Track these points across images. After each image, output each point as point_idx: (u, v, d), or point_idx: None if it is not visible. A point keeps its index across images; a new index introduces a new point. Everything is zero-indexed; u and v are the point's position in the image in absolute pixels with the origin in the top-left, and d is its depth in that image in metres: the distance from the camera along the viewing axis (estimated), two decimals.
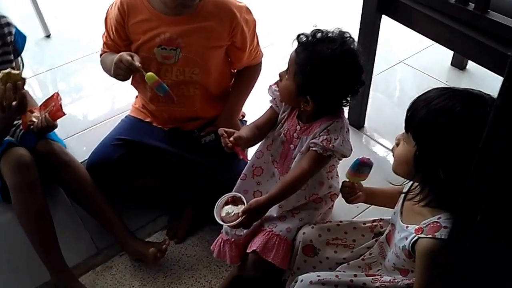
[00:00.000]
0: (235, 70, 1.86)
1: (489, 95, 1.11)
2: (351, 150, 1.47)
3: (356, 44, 1.40)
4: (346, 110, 1.75)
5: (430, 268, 1.15)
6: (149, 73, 1.57)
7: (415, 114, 1.14)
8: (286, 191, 1.42)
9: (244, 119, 1.96)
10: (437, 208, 1.18)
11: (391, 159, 1.28)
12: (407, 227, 1.23)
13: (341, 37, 1.38)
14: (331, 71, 1.35)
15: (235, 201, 1.45)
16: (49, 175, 1.74)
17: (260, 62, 1.86)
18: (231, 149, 1.46)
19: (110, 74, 1.66)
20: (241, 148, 1.53)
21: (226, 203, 1.44)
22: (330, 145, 1.41)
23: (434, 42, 1.78)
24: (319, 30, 1.38)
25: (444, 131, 1.09)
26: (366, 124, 2.25)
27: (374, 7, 1.83)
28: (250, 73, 1.85)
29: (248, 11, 1.72)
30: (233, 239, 1.57)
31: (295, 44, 1.41)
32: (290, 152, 1.54)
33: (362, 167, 1.41)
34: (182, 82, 1.71)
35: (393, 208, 1.39)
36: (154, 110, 1.83)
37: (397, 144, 1.22)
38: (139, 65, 1.56)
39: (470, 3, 1.56)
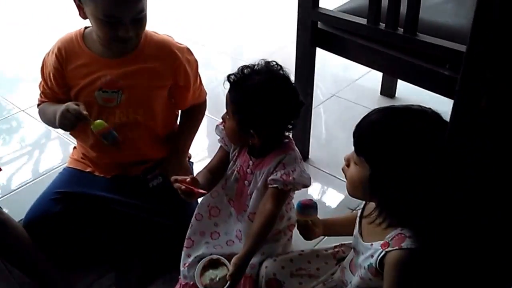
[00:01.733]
0: (180, 111, 1.83)
1: (427, 107, 1.15)
2: (310, 178, 1.46)
3: (283, 69, 1.42)
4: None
5: (399, 280, 1.14)
6: (98, 121, 1.54)
7: (364, 138, 1.15)
8: (261, 238, 1.39)
9: (191, 160, 1.91)
10: (397, 221, 1.18)
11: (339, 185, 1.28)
12: (371, 245, 1.22)
13: (267, 67, 1.41)
14: (264, 98, 1.37)
15: (212, 264, 1.41)
16: None
17: (205, 101, 1.84)
18: (185, 192, 1.40)
19: (51, 125, 1.60)
20: (195, 199, 1.49)
21: (204, 268, 1.40)
22: (290, 178, 1.39)
23: (362, 74, 1.86)
24: (245, 66, 1.41)
25: (400, 150, 1.10)
26: (310, 156, 2.26)
27: (308, 41, 1.88)
28: (196, 112, 1.82)
29: (189, 52, 1.71)
30: (192, 282, 1.49)
31: (227, 86, 1.42)
32: (245, 189, 1.51)
33: (305, 209, 1.41)
34: (125, 125, 1.65)
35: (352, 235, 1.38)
36: (95, 157, 1.75)
37: (347, 165, 1.22)
38: (86, 113, 1.52)
39: (399, 28, 1.63)
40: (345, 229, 1.44)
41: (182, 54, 1.66)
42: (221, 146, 1.58)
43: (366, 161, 1.14)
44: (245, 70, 1.41)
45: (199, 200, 1.59)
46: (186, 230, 1.57)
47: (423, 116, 1.12)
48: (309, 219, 1.42)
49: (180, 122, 1.84)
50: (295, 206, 1.42)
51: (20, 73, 3.11)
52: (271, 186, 1.41)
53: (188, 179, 1.39)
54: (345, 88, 2.83)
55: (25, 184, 2.16)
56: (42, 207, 1.66)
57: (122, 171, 1.75)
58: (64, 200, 1.67)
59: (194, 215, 1.59)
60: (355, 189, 1.20)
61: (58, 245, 1.68)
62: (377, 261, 1.18)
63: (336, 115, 2.64)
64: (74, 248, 1.71)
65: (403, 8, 1.59)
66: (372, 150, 1.13)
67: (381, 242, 1.18)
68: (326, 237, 1.75)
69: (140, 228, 1.68)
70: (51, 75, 1.64)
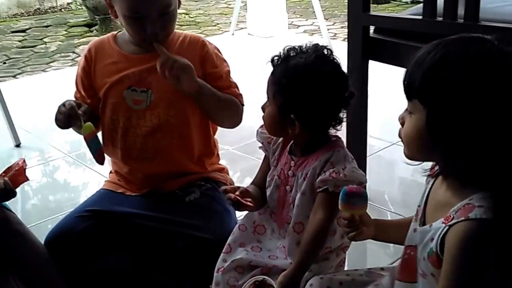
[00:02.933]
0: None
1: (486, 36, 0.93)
2: (364, 175, 1.24)
3: (334, 55, 1.26)
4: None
5: (464, 261, 0.88)
6: (87, 123, 1.47)
7: (414, 76, 0.93)
8: (312, 253, 1.21)
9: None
10: (467, 187, 0.92)
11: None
12: (430, 226, 0.96)
13: (315, 47, 1.25)
14: (310, 79, 1.20)
15: (259, 286, 1.24)
16: None
17: (242, 104, 1.61)
18: (234, 202, 1.28)
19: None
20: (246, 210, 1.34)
21: None
22: (341, 175, 1.19)
23: None
24: (291, 48, 1.27)
25: (456, 73, 0.88)
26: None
27: (360, 52, 1.74)
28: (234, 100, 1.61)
29: (219, 50, 1.62)
30: None
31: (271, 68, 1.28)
32: (287, 197, 1.31)
33: (351, 198, 1.12)
34: (157, 129, 1.53)
35: None
36: (127, 172, 1.61)
37: (403, 124, 1.00)
38: (80, 113, 1.45)
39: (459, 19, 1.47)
40: (401, 234, 1.16)
41: (210, 46, 1.58)
42: (265, 156, 1.41)
43: (420, 102, 0.92)
44: (291, 52, 1.26)
45: (245, 213, 1.42)
46: (221, 250, 1.37)
47: (479, 40, 0.92)
48: (356, 212, 1.13)
49: None
50: (340, 195, 1.14)
51: None
52: (320, 190, 1.21)
53: (238, 191, 1.29)
54: None
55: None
56: (67, 224, 1.52)
57: (156, 187, 1.60)
58: (91, 218, 1.52)
59: (237, 225, 1.41)
60: (412, 144, 0.97)
61: (80, 268, 1.51)
62: (438, 243, 0.91)
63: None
64: (97, 274, 1.53)
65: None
66: (423, 83, 0.91)
67: (443, 218, 0.93)
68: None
69: (173, 245, 1.46)
70: (79, 77, 1.59)
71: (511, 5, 1.67)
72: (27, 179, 1.47)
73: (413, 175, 2.24)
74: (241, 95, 1.62)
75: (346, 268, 1.39)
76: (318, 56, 1.23)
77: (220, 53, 1.62)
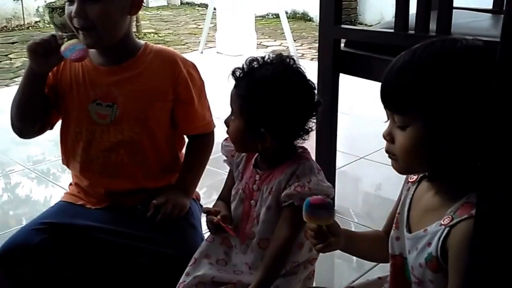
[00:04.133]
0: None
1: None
2: (331, 187, 1.20)
3: (297, 63, 1.23)
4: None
5: None
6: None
7: (403, 89, 0.91)
8: (274, 270, 1.17)
9: (199, 202, 1.67)
10: (461, 188, 0.91)
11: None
12: (425, 230, 0.93)
13: (279, 58, 1.22)
14: (279, 91, 1.17)
15: None
16: None
17: (213, 133, 1.62)
18: (215, 225, 1.26)
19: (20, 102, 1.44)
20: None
21: None
22: (306, 189, 1.15)
23: None
24: (254, 59, 1.22)
25: (449, 71, 0.87)
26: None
27: (331, 65, 1.72)
28: (204, 143, 1.60)
29: (194, 67, 1.55)
30: None
31: (232, 82, 1.23)
32: (252, 211, 1.26)
33: (315, 209, 1.04)
34: (121, 144, 1.46)
35: (377, 260, 1.17)
36: (87, 185, 1.53)
37: (391, 140, 0.96)
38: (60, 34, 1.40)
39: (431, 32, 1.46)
40: (371, 247, 1.15)
41: (184, 65, 1.50)
42: (230, 170, 1.36)
43: (413, 112, 0.90)
44: (254, 63, 1.21)
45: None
46: (185, 266, 1.30)
47: (454, 40, 0.92)
48: (322, 223, 1.05)
49: (186, 155, 1.60)
50: (303, 206, 1.07)
51: None
52: (285, 204, 1.17)
53: (219, 215, 1.27)
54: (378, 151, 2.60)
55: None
56: (21, 237, 1.42)
57: (117, 201, 1.52)
58: (48, 230, 1.43)
59: (206, 238, 1.35)
60: (412, 157, 0.93)
61: (35, 284, 1.41)
62: (439, 247, 0.89)
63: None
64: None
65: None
66: (417, 94, 0.89)
67: (440, 221, 0.91)
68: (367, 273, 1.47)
69: (135, 260, 1.39)
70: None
71: (482, 21, 1.69)
72: None
73: (378, 189, 2.23)
74: (211, 121, 1.60)
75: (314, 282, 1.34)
76: (285, 67, 1.20)
77: (194, 69, 1.55)
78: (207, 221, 1.29)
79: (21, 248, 1.39)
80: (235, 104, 1.21)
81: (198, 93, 1.54)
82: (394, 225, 1.04)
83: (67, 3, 1.40)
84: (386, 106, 0.95)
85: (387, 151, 0.98)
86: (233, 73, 1.22)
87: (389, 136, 0.96)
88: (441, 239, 0.89)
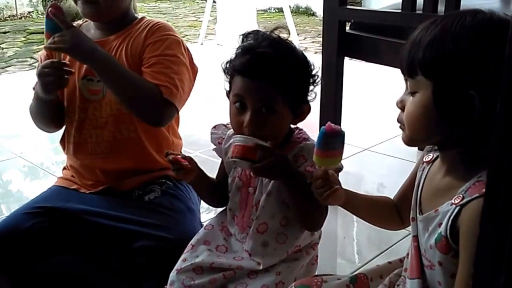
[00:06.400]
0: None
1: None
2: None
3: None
4: None
5: None
6: None
7: (414, 52, 0.88)
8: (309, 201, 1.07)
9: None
10: (471, 168, 0.87)
11: None
12: (436, 210, 0.89)
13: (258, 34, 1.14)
14: (292, 60, 1.12)
15: None
16: None
17: (163, 90, 1.35)
18: (173, 162, 1.14)
19: (40, 115, 1.46)
20: (186, 177, 1.19)
21: None
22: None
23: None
24: (244, 44, 1.13)
25: (461, 40, 0.84)
26: None
27: (335, 48, 1.66)
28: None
29: (181, 43, 1.44)
30: None
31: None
32: (250, 198, 1.20)
33: (330, 138, 1.00)
34: (116, 120, 1.41)
35: (377, 223, 1.15)
36: (82, 166, 1.48)
37: (402, 108, 0.93)
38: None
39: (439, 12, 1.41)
40: (371, 209, 1.13)
41: (167, 31, 1.41)
42: (222, 161, 1.28)
43: (424, 75, 0.86)
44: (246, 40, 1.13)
45: (217, 212, 1.32)
46: (183, 249, 1.24)
47: (476, 12, 0.88)
48: (333, 160, 1.02)
49: None
50: (317, 139, 1.01)
51: None
52: None
53: (181, 156, 1.16)
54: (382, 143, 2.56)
55: None
56: (13, 221, 1.38)
57: (113, 184, 1.46)
58: (41, 214, 1.38)
59: (204, 226, 1.29)
60: (418, 123, 0.90)
61: (28, 268, 1.36)
62: (449, 225, 0.85)
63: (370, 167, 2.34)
64: (45, 273, 1.38)
65: None
66: (427, 54, 0.85)
67: (451, 200, 0.86)
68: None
69: (131, 244, 1.32)
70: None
71: (492, 3, 1.64)
72: None
73: (381, 181, 2.18)
74: (168, 88, 1.35)
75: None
76: (275, 40, 1.13)
77: (182, 47, 1.44)
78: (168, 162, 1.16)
79: (14, 231, 1.35)
80: (262, 92, 1.08)
81: (168, 54, 1.39)
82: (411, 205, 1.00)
83: None
84: (403, 71, 0.91)
85: (398, 120, 0.96)
86: (233, 61, 1.13)
87: (400, 103, 0.94)
88: (451, 218, 0.85)
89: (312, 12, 6.96)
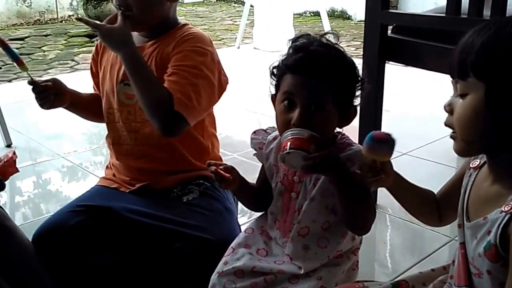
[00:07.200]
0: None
1: None
2: None
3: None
4: None
5: None
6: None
7: (466, 54, 0.87)
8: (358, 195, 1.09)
9: None
10: None
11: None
12: (485, 218, 0.87)
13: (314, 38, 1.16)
14: (343, 62, 1.13)
15: None
16: None
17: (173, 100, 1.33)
18: (215, 174, 1.16)
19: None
20: (228, 188, 1.22)
21: None
22: None
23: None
24: (294, 45, 1.14)
25: None
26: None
27: (377, 52, 1.65)
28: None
29: (212, 54, 1.44)
30: None
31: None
32: (292, 203, 1.20)
33: (377, 143, 1.02)
34: (145, 125, 1.44)
35: (416, 215, 1.14)
36: (120, 164, 1.53)
37: (450, 111, 0.92)
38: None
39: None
40: (415, 199, 1.12)
41: (196, 43, 1.41)
42: (262, 165, 1.29)
43: (477, 77, 0.85)
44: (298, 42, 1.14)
45: (251, 214, 1.33)
46: (223, 251, 1.25)
47: None
48: (379, 159, 1.03)
49: None
50: (366, 139, 1.03)
51: None
52: None
53: (223, 166, 1.17)
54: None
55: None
56: (59, 218, 1.42)
57: (151, 181, 1.49)
58: (85, 212, 1.42)
59: (244, 229, 1.30)
60: (469, 126, 0.89)
61: (69, 267, 1.39)
62: (498, 233, 0.83)
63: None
64: (88, 270, 1.41)
65: None
66: (480, 56, 0.85)
67: (501, 208, 0.85)
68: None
69: (171, 244, 1.33)
70: (90, 64, 1.56)
71: None
72: (17, 171, 1.42)
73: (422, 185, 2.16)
74: (180, 99, 1.33)
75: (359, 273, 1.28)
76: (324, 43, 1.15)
77: (210, 59, 1.42)
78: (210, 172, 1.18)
79: (59, 228, 1.39)
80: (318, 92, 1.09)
81: (188, 66, 1.37)
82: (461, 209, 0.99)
83: None
84: (452, 73, 0.91)
85: (445, 124, 0.95)
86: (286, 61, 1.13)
87: (449, 107, 0.93)
88: (501, 226, 0.83)
89: (347, 15, 6.91)
